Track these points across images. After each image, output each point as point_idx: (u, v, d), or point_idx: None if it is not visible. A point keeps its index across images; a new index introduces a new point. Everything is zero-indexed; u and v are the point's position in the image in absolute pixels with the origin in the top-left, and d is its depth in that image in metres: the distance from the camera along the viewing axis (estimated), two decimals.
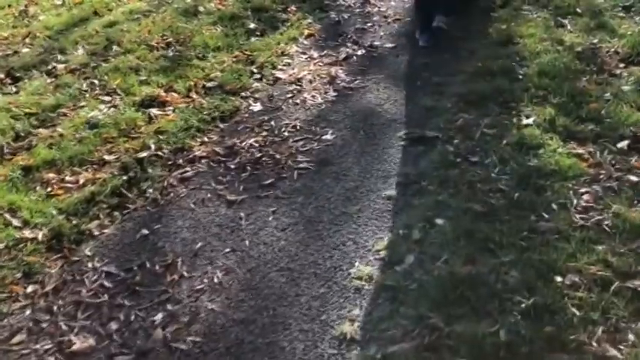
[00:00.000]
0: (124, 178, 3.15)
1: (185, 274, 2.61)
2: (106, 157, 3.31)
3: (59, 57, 4.47)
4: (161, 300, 2.50)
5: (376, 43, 4.46)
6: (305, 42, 4.53)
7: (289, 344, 2.26)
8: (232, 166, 3.23)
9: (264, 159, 3.26)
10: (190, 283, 2.56)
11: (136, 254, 2.74)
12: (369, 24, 4.76)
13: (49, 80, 4.15)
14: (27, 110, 3.76)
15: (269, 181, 3.10)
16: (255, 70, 4.15)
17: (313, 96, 3.83)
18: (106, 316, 2.45)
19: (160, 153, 3.33)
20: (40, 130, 3.60)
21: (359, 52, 4.34)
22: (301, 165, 3.20)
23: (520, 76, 3.69)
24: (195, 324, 2.38)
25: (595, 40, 4.00)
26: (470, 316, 2.22)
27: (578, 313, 2.18)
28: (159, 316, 2.42)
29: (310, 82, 3.98)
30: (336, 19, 4.86)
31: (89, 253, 2.75)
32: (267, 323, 2.35)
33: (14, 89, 4.09)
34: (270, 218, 2.87)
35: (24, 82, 4.16)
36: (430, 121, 3.45)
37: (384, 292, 2.41)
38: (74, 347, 2.32)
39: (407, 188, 2.97)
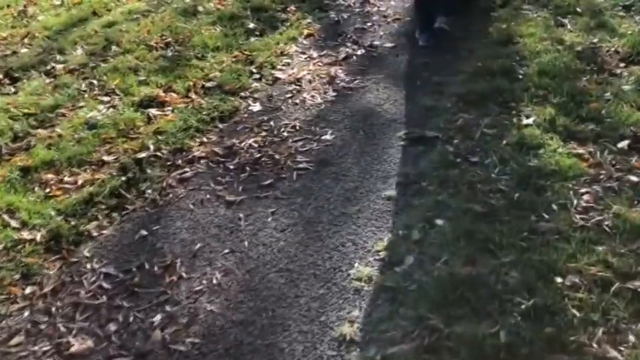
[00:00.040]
0: (123, 178, 3.14)
1: (184, 275, 2.60)
2: (105, 158, 3.30)
3: (58, 57, 4.46)
4: (160, 301, 2.49)
5: (376, 42, 4.44)
6: (304, 42, 4.52)
7: (288, 346, 2.25)
8: (231, 167, 3.22)
9: (263, 159, 3.25)
10: (189, 285, 2.55)
11: (134, 255, 2.73)
12: (368, 24, 4.75)
13: (47, 80, 4.14)
14: (25, 111, 3.75)
15: (268, 182, 3.09)
16: (254, 70, 4.14)
17: (313, 96, 3.82)
18: (105, 317, 2.44)
19: (158, 153, 3.32)
20: (39, 130, 3.59)
21: (358, 52, 4.33)
22: (300, 165, 3.19)
23: (520, 76, 3.68)
24: (194, 325, 2.37)
25: (595, 40, 3.99)
26: (470, 317, 2.21)
27: (578, 314, 2.17)
28: (158, 318, 2.41)
29: (310, 82, 3.97)
30: (336, 18, 4.85)
31: (88, 255, 2.74)
32: (266, 324, 2.34)
33: (13, 89, 4.08)
34: (270, 219, 2.86)
35: (22, 82, 4.15)
36: (430, 121, 3.44)
37: (383, 293, 2.40)
38: (73, 349, 2.31)
39: (407, 188, 2.96)
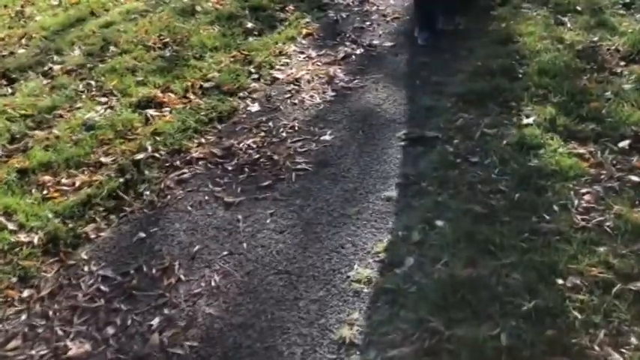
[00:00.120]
0: (121, 180, 3.12)
1: (182, 277, 2.58)
2: (103, 159, 3.28)
3: (55, 58, 4.44)
4: (158, 304, 2.47)
5: (375, 42, 4.42)
6: (303, 41, 4.50)
7: (288, 349, 2.24)
8: (230, 168, 3.20)
9: (261, 160, 3.23)
10: (187, 287, 2.53)
11: (132, 258, 2.71)
12: (367, 23, 4.72)
13: (45, 81, 4.13)
14: (23, 112, 3.74)
15: (267, 183, 3.07)
16: (252, 70, 4.12)
17: (311, 96, 3.80)
18: (103, 320, 2.42)
19: (156, 155, 3.30)
20: (36, 132, 3.57)
21: (357, 52, 4.31)
22: (299, 166, 3.17)
23: (520, 75, 3.66)
24: (193, 328, 2.35)
25: (595, 38, 3.97)
26: (470, 319, 2.19)
27: (579, 316, 2.16)
28: (156, 321, 2.39)
29: (308, 81, 3.95)
30: (335, 18, 4.83)
31: (85, 257, 2.72)
32: (265, 327, 2.33)
33: (10, 91, 4.06)
34: (268, 220, 2.84)
35: (20, 83, 4.14)
36: (429, 121, 3.43)
37: (383, 295, 2.38)
38: (70, 353, 2.29)
39: (406, 189, 2.94)
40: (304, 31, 4.61)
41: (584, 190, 2.74)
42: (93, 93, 3.94)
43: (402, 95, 3.73)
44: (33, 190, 3.10)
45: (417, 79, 3.88)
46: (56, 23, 4.99)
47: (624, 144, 3.00)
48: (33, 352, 2.31)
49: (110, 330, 2.38)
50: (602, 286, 2.26)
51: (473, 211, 2.68)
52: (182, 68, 4.14)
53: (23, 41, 4.75)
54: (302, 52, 4.34)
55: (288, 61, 4.24)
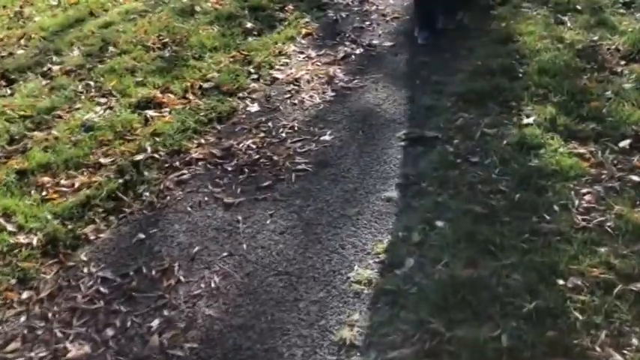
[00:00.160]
0: (120, 181, 3.11)
1: (182, 279, 2.57)
2: (102, 160, 3.27)
3: (54, 58, 4.43)
4: (158, 306, 2.46)
5: (375, 41, 4.41)
6: (303, 41, 4.49)
7: (288, 350, 2.23)
8: (229, 169, 3.20)
9: (261, 161, 3.23)
10: (187, 289, 2.53)
11: (132, 259, 2.70)
12: (367, 22, 4.71)
13: (44, 82, 4.12)
14: (22, 113, 3.73)
15: (266, 184, 3.06)
16: (252, 71, 4.11)
17: (311, 96, 3.79)
18: (102, 322, 2.41)
19: (156, 155, 3.29)
20: (35, 133, 3.56)
21: (357, 51, 4.30)
22: (299, 167, 3.16)
23: (520, 75, 3.66)
24: (193, 330, 2.34)
25: (595, 38, 3.96)
26: (471, 320, 2.18)
27: (580, 317, 2.15)
28: (155, 323, 2.38)
29: (308, 82, 3.94)
30: (334, 17, 4.82)
31: (85, 258, 2.71)
32: (265, 329, 2.32)
33: (9, 91, 4.05)
34: (268, 221, 2.83)
35: (19, 84, 4.13)
36: (429, 120, 3.42)
37: (383, 296, 2.37)
38: (69, 355, 2.29)
39: (406, 190, 2.93)
40: (304, 30, 4.60)
41: (584, 190, 2.73)
42: (92, 94, 3.93)
43: (401, 95, 3.72)
44: (32, 192, 3.09)
45: (416, 78, 3.87)
46: (55, 24, 4.98)
47: (625, 143, 2.99)
48: (32, 354, 2.30)
49: (110, 332, 2.37)
50: (603, 287, 2.25)
51: (473, 212, 2.67)
52: (181, 68, 4.13)
53: (22, 42, 4.74)
54: (301, 52, 4.33)
55: (287, 61, 4.23)
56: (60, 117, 3.70)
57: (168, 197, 3.03)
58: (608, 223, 2.53)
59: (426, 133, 3.30)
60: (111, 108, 3.75)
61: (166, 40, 4.51)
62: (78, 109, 3.77)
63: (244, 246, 2.71)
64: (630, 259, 2.35)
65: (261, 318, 2.36)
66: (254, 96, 3.85)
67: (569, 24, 4.19)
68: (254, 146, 3.34)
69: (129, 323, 2.39)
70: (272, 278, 2.54)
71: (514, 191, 2.75)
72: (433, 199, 2.80)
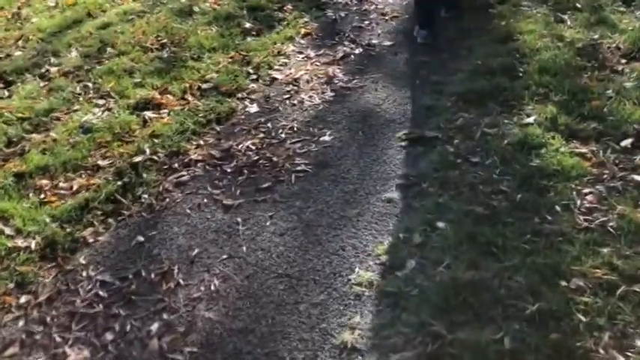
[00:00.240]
0: (119, 183, 3.09)
1: (181, 282, 2.55)
2: (100, 163, 3.25)
3: (52, 60, 4.40)
4: (157, 309, 2.44)
5: (374, 41, 4.39)
6: (302, 41, 4.47)
7: (289, 354, 2.21)
8: (229, 170, 3.18)
9: (261, 162, 3.21)
10: (187, 292, 2.51)
11: (131, 262, 2.68)
12: (366, 22, 4.69)
13: (42, 84, 4.09)
14: (19, 115, 3.70)
15: (266, 185, 3.04)
16: (251, 71, 4.09)
17: (310, 96, 3.77)
18: (101, 326, 2.39)
19: (154, 157, 3.27)
20: (33, 135, 3.54)
21: (356, 51, 4.28)
22: (299, 168, 3.14)
23: (520, 74, 3.64)
24: (192, 334, 2.32)
25: (595, 36, 3.94)
26: (473, 322, 2.17)
27: (584, 318, 2.13)
28: (155, 326, 2.37)
29: (307, 82, 3.92)
30: (333, 17, 4.80)
31: (83, 262, 2.69)
32: (265, 332, 2.30)
33: (7, 93, 4.01)
34: (268, 223, 2.82)
35: (17, 86, 4.10)
36: (429, 120, 3.40)
37: (385, 298, 2.36)
38: (69, 359, 2.26)
39: (407, 190, 2.91)
40: (303, 30, 4.58)
41: (586, 190, 2.71)
42: (90, 95, 3.91)
43: (401, 95, 3.70)
44: (30, 195, 3.06)
45: (416, 78, 3.85)
46: (53, 25, 4.95)
47: (626, 143, 2.97)
48: (31, 359, 2.28)
49: (109, 336, 2.35)
50: (606, 288, 2.23)
51: (474, 213, 2.65)
52: (180, 69, 4.11)
53: (20, 43, 4.71)
54: (301, 52, 4.31)
55: (286, 61, 4.21)
56: (58, 119, 3.68)
57: (167, 199, 3.01)
58: (611, 224, 2.51)
59: (426, 133, 3.28)
60: (109, 109, 3.73)
61: (165, 40, 4.49)
62: (76, 110, 3.74)
63: (244, 248, 2.69)
64: (633, 259, 2.33)
65: (261, 321, 2.34)
66: (253, 96, 3.83)
67: (569, 22, 4.17)
68: (253, 147, 3.32)
69: (128, 327, 2.37)
70: (272, 281, 2.52)
71: (515, 192, 2.73)
72: (434, 200, 2.79)
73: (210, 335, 2.31)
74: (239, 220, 2.85)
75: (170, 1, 5.18)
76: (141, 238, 2.79)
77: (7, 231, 2.82)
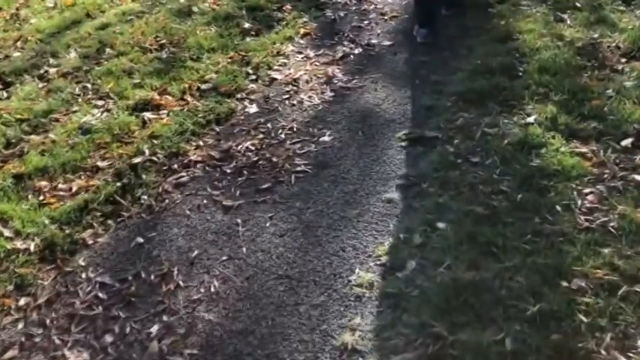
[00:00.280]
0: (118, 184, 3.08)
1: (181, 283, 2.55)
2: (100, 164, 3.24)
3: (51, 61, 4.39)
4: (157, 311, 2.43)
5: (373, 41, 4.38)
6: (301, 41, 4.46)
7: (289, 356, 2.20)
8: (228, 171, 3.17)
9: (260, 162, 3.20)
10: (186, 293, 2.50)
11: (130, 264, 2.67)
12: (365, 22, 4.68)
13: (40, 85, 4.09)
14: (18, 116, 3.69)
15: (266, 186, 3.03)
16: (250, 71, 4.08)
17: (310, 97, 3.76)
18: (101, 328, 2.39)
19: (154, 158, 3.26)
20: (32, 136, 3.53)
21: (356, 51, 4.27)
22: (299, 168, 3.13)
23: (520, 73, 3.63)
24: (192, 336, 2.32)
25: (595, 35, 3.93)
26: (474, 323, 2.16)
27: (585, 319, 2.12)
28: (155, 328, 2.36)
29: (307, 82, 3.91)
30: (332, 17, 4.78)
31: (83, 264, 2.69)
32: (265, 334, 2.29)
33: (5, 94, 4.01)
34: (268, 224, 2.81)
35: (15, 87, 4.09)
36: (429, 120, 3.39)
37: (385, 299, 2.35)
38: None
39: (407, 191, 2.90)
40: (302, 30, 4.57)
41: (587, 190, 2.70)
42: (89, 96, 3.90)
43: (401, 95, 3.69)
44: (29, 196, 3.06)
45: (416, 78, 3.84)
46: (52, 26, 4.94)
47: (627, 142, 2.96)
48: None
49: (108, 338, 2.34)
50: (607, 289, 2.22)
51: (475, 213, 2.64)
52: (179, 70, 4.10)
53: (18, 44, 4.70)
54: (300, 52, 4.30)
55: (286, 61, 4.20)
56: (57, 120, 3.67)
57: (167, 200, 3.00)
58: (612, 224, 2.50)
59: (426, 133, 3.27)
60: (108, 110, 3.72)
61: (164, 41, 4.48)
62: (75, 111, 3.74)
63: (244, 249, 2.68)
64: (634, 259, 2.33)
65: (261, 323, 2.34)
66: (252, 97, 3.82)
67: (568, 21, 4.16)
68: (253, 148, 3.31)
69: (128, 329, 2.37)
70: (272, 282, 2.51)
71: (516, 192, 2.72)
72: (434, 200, 2.78)
73: (211, 337, 2.30)
74: (239, 221, 2.84)
75: (169, 1, 5.17)
76: (140, 240, 2.78)
77: (6, 233, 2.82)
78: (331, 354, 2.18)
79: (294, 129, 3.45)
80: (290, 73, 4.02)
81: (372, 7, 4.91)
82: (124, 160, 3.25)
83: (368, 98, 3.70)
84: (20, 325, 2.42)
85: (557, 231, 2.50)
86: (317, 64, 4.12)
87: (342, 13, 4.83)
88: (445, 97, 3.55)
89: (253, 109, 3.69)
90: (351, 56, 4.21)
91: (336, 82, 3.89)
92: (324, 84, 3.88)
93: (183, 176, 3.16)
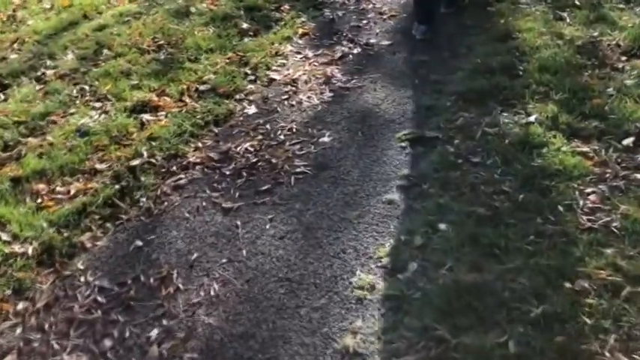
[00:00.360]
0: (116, 187, 3.05)
1: (181, 287, 2.52)
2: (98, 166, 3.22)
3: (48, 62, 4.37)
4: (156, 315, 2.41)
5: (372, 40, 4.36)
6: (299, 41, 4.44)
7: (290, 359, 2.18)
8: (227, 172, 3.14)
9: (260, 164, 3.18)
10: (186, 297, 2.48)
11: (129, 267, 2.65)
12: (364, 21, 4.66)
13: (38, 87, 4.06)
14: (15, 118, 3.66)
15: (265, 187, 3.01)
16: (249, 72, 4.05)
17: (309, 97, 3.74)
18: (100, 333, 2.36)
19: (152, 160, 3.23)
20: (30, 139, 3.50)
21: (355, 51, 4.25)
22: (298, 169, 3.11)
23: (520, 73, 3.61)
24: (192, 340, 2.29)
25: (595, 34, 3.91)
26: (477, 326, 2.14)
27: (589, 321, 2.10)
28: (154, 332, 2.33)
29: (306, 82, 3.89)
30: (331, 16, 4.76)
31: (81, 267, 2.66)
32: (266, 337, 2.27)
33: (2, 97, 3.98)
34: (268, 226, 2.78)
35: (12, 89, 4.06)
36: (429, 120, 3.37)
37: (387, 302, 2.33)
38: None
39: (408, 191, 2.88)
40: (300, 30, 4.55)
41: (589, 190, 2.68)
42: (87, 98, 3.87)
43: (400, 95, 3.67)
44: (27, 199, 3.03)
45: (415, 77, 3.82)
46: (49, 27, 4.91)
47: (628, 141, 2.94)
48: None
49: (108, 342, 2.32)
50: (611, 290, 2.20)
51: (476, 214, 2.62)
52: (177, 71, 4.07)
53: (15, 46, 4.68)
54: (298, 53, 4.28)
55: (284, 61, 4.18)
56: (54, 122, 3.64)
57: (166, 203, 2.98)
58: (614, 224, 2.48)
59: (426, 134, 3.25)
60: (106, 112, 3.69)
61: (161, 42, 4.45)
62: (73, 113, 3.71)
63: (244, 252, 2.66)
64: (637, 260, 2.30)
65: (262, 326, 2.31)
66: (251, 98, 3.79)
67: (568, 20, 4.14)
68: (252, 149, 3.29)
69: (127, 333, 2.34)
70: (272, 285, 2.49)
71: (517, 192, 2.71)
72: (435, 201, 2.76)
73: (211, 341, 2.28)
74: (238, 223, 2.82)
75: (167, 2, 5.14)
76: (139, 243, 2.76)
77: (4, 237, 2.79)
78: (332, 357, 2.16)
79: (294, 130, 3.43)
80: (289, 74, 4.00)
81: (371, 6, 4.89)
82: (122, 162, 3.23)
83: (367, 98, 3.68)
84: (18, 330, 2.39)
85: (559, 231, 2.48)
86: (316, 64, 4.10)
87: (340, 13, 4.81)
88: (445, 96, 3.53)
89: (252, 110, 3.67)
90: (350, 56, 4.19)
91: (335, 82, 3.87)
92: (323, 84, 3.86)
93: (182, 178, 3.13)
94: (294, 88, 3.84)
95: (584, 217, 2.54)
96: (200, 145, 3.37)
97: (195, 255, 2.67)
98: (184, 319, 2.38)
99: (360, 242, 2.64)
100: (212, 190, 3.04)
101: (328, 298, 2.40)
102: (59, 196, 3.04)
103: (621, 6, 4.23)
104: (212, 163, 3.22)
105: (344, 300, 2.38)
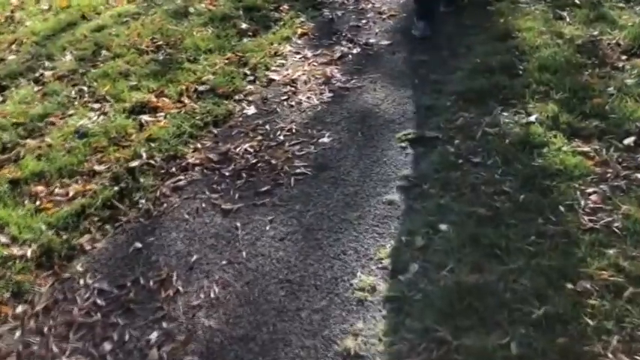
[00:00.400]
0: (115, 189, 3.04)
1: (180, 289, 2.51)
2: (96, 168, 3.20)
3: (47, 64, 4.35)
4: (156, 318, 2.40)
5: (371, 40, 4.35)
6: (298, 41, 4.42)
7: None
8: (227, 174, 3.13)
9: (259, 165, 3.16)
10: (186, 299, 2.46)
11: (129, 269, 2.64)
12: (363, 21, 4.65)
13: (36, 88, 4.04)
14: (14, 120, 3.64)
15: (265, 188, 3.00)
16: (248, 72, 4.04)
17: (308, 97, 3.72)
18: (99, 336, 2.35)
19: (151, 161, 3.22)
20: (28, 140, 3.48)
21: (354, 51, 4.24)
22: (298, 170, 3.10)
23: (520, 72, 3.59)
24: (192, 343, 2.28)
25: (595, 33, 3.90)
26: (478, 327, 2.13)
27: (591, 322, 2.09)
28: (154, 335, 2.32)
29: (305, 82, 3.88)
30: (330, 16, 4.75)
31: (81, 269, 2.65)
32: (267, 340, 2.26)
33: (0, 98, 3.97)
34: (268, 227, 2.77)
35: (10, 90, 4.04)
36: (429, 120, 3.36)
37: (388, 303, 2.31)
38: None
39: (408, 192, 2.87)
40: (299, 30, 4.53)
41: (590, 190, 2.67)
42: (85, 99, 3.86)
43: (400, 95, 3.66)
44: (25, 201, 3.01)
45: (415, 77, 3.81)
46: (47, 28, 4.90)
47: (629, 141, 2.93)
48: None
49: (107, 346, 2.30)
50: (613, 290, 2.19)
51: (477, 214, 2.61)
52: (176, 72, 4.06)
53: (13, 47, 4.66)
54: (298, 53, 4.27)
55: (283, 61, 4.16)
56: (53, 124, 3.63)
57: (165, 204, 2.97)
58: (616, 224, 2.47)
59: (426, 134, 3.24)
60: (105, 113, 3.68)
61: (160, 42, 4.44)
62: (71, 115, 3.69)
63: (244, 253, 2.65)
64: (639, 260, 2.29)
65: (262, 328, 2.30)
66: (250, 98, 3.78)
67: (568, 19, 4.13)
68: (252, 150, 3.27)
69: (127, 336, 2.33)
70: (273, 287, 2.48)
71: (518, 192, 2.69)
72: (436, 202, 2.74)
73: (211, 344, 2.27)
74: (238, 224, 2.81)
75: (165, 2, 5.13)
76: (139, 245, 2.75)
77: (3, 239, 2.77)
78: None
79: (293, 130, 3.42)
80: (288, 74, 3.98)
81: (370, 6, 4.87)
82: (121, 163, 3.21)
83: (367, 98, 3.67)
84: (17, 333, 2.38)
85: (560, 232, 2.46)
86: (315, 64, 4.09)
87: (339, 13, 4.79)
88: (445, 96, 3.52)
89: (251, 110, 3.65)
90: (350, 56, 4.18)
91: (334, 82, 3.86)
92: (322, 84, 3.84)
93: (181, 179, 3.12)
94: (293, 89, 3.83)
95: (586, 218, 2.52)
96: (199, 146, 3.36)
97: (194, 257, 2.65)
98: (184, 321, 2.37)
99: (360, 243, 2.63)
100: (211, 191, 3.03)
101: (329, 299, 2.38)
102: (58, 198, 3.03)
103: (621, 5, 4.22)
104: (211, 164, 3.21)
105: (345, 302, 2.36)
